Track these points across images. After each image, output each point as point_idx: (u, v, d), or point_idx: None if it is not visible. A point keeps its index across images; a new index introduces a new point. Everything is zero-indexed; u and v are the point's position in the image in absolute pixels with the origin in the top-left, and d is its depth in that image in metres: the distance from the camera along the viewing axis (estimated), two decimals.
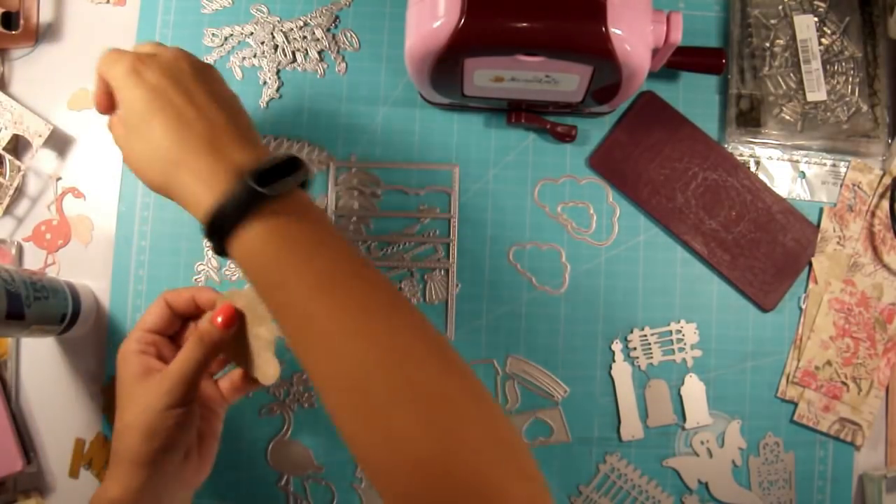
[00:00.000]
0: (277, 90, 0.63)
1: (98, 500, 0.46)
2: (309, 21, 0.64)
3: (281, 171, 0.41)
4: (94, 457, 0.61)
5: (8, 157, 0.63)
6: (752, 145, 0.62)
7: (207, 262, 0.62)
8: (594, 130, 0.62)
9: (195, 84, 0.45)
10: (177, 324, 0.52)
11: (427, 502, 0.36)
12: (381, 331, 0.39)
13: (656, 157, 0.61)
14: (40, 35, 0.65)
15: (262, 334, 0.48)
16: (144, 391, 0.47)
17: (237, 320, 0.48)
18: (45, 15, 0.65)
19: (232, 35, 0.64)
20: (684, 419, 0.60)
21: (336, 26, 0.64)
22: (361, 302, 0.40)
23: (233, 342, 0.49)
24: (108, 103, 0.48)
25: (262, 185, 0.40)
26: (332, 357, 0.39)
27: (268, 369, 0.49)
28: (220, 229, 0.41)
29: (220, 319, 0.47)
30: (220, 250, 0.42)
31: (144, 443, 0.46)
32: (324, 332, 0.39)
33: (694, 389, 0.60)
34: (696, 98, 0.62)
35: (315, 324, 0.39)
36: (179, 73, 0.45)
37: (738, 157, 0.62)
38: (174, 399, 0.46)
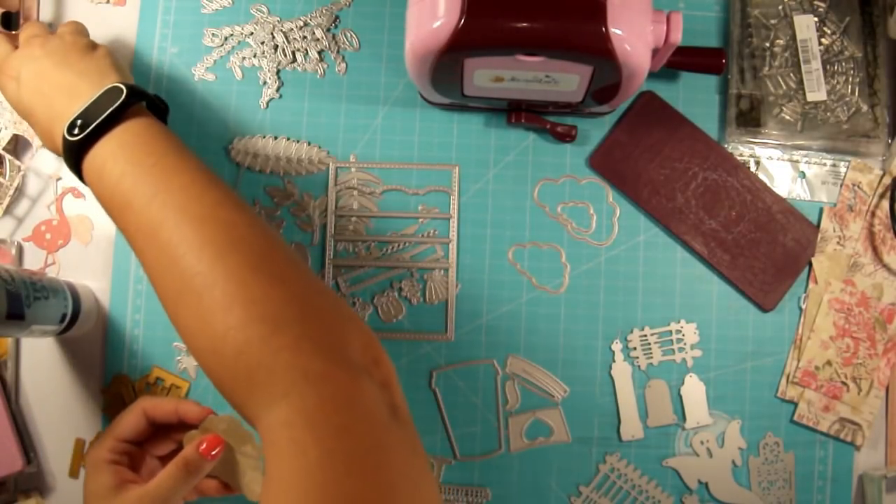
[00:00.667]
0: (277, 90, 0.63)
1: None
2: (309, 21, 0.64)
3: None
4: None
5: (8, 157, 0.63)
6: (752, 145, 0.62)
7: None
8: (594, 130, 0.62)
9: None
10: (150, 432, 0.52)
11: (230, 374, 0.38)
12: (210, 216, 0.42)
13: (656, 157, 0.61)
14: None
15: (249, 452, 0.49)
16: None
17: (223, 450, 0.48)
18: (45, 15, 0.65)
19: (232, 35, 0.64)
20: (684, 419, 0.60)
21: (336, 26, 0.64)
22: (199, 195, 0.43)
23: (218, 461, 0.49)
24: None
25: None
26: (169, 247, 0.41)
27: (255, 487, 0.49)
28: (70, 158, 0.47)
29: (204, 447, 0.47)
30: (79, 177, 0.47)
31: None
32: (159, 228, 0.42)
33: (694, 389, 0.60)
34: (696, 98, 0.62)
35: (161, 231, 0.41)
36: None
37: (738, 157, 0.62)
38: None
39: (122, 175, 0.44)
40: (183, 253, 0.40)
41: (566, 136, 0.61)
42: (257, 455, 0.49)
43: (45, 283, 0.56)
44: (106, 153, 0.45)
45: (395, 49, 0.64)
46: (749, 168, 0.62)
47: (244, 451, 0.49)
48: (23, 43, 0.54)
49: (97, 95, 0.47)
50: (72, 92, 0.48)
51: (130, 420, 0.50)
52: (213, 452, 0.47)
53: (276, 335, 0.37)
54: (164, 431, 0.52)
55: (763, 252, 0.60)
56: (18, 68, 0.51)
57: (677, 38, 0.50)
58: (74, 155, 0.46)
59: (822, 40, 0.61)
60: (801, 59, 0.61)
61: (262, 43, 0.64)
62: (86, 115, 0.46)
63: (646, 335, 0.60)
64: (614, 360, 0.60)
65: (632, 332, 0.61)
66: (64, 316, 0.58)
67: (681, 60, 0.58)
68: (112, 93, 0.47)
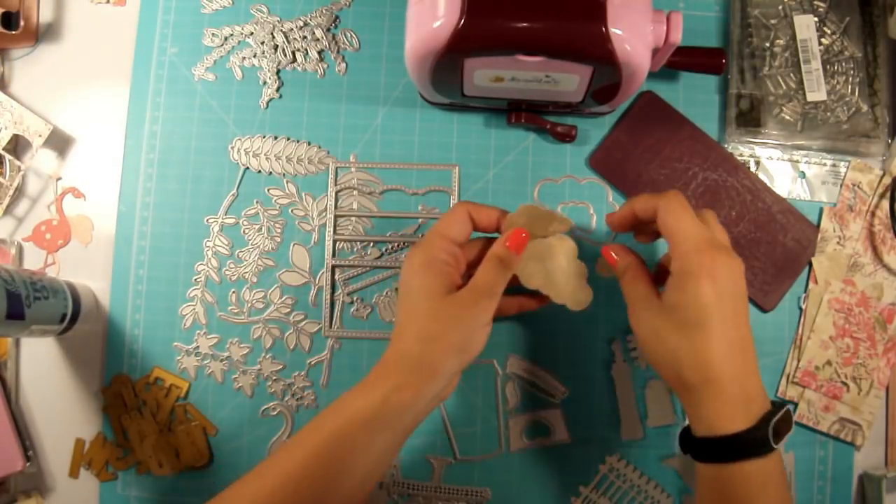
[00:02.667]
0: (277, 90, 0.63)
1: (388, 403, 0.45)
2: (309, 21, 0.64)
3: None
4: (94, 457, 0.61)
5: (8, 157, 0.63)
6: (752, 145, 0.62)
7: (207, 262, 0.62)
8: (594, 130, 0.62)
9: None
10: (468, 236, 0.51)
11: None
12: None
13: (656, 157, 0.61)
14: (40, 35, 0.65)
15: (556, 229, 0.50)
16: (458, 306, 0.46)
17: (528, 238, 0.49)
18: (45, 15, 0.65)
19: (232, 35, 0.64)
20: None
21: (336, 26, 0.64)
22: None
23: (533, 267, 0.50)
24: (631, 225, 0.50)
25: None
26: None
27: (580, 296, 0.51)
28: (715, 454, 0.43)
29: (509, 243, 0.48)
30: (702, 457, 0.44)
31: (455, 356, 0.46)
32: None
33: None
34: (696, 98, 0.62)
35: None
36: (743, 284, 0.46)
37: (738, 157, 0.62)
38: (489, 315, 0.47)
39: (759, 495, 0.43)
40: None
41: (566, 136, 0.61)
42: (566, 227, 0.50)
43: (45, 283, 0.56)
44: (761, 468, 0.43)
45: (395, 49, 0.64)
46: (749, 168, 0.62)
47: (553, 231, 0.50)
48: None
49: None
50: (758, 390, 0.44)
51: (458, 220, 0.50)
52: (519, 244, 0.48)
53: None
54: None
55: (763, 252, 0.60)
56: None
57: (677, 38, 0.50)
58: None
59: (822, 40, 0.61)
60: (801, 59, 0.61)
61: (262, 43, 0.64)
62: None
63: None
64: (614, 360, 0.60)
65: (632, 332, 0.60)
66: (64, 316, 0.58)
67: (681, 60, 0.58)
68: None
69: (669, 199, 0.46)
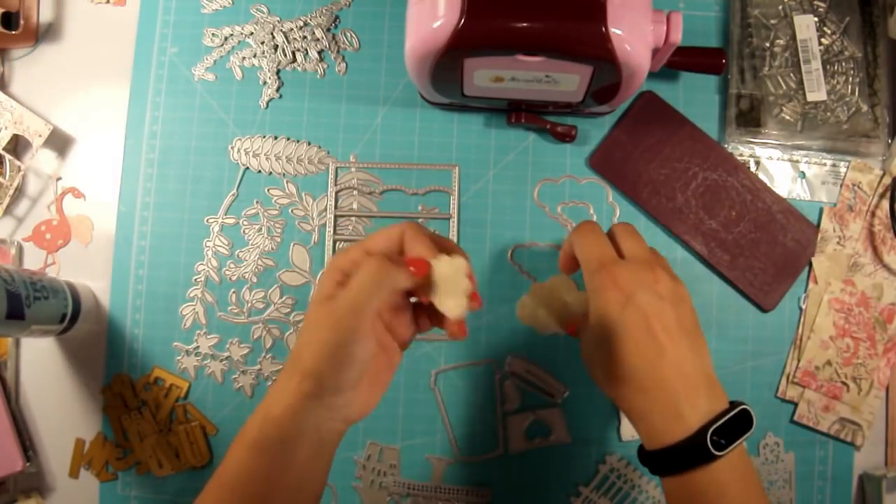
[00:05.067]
0: (277, 90, 0.63)
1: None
2: (309, 21, 0.64)
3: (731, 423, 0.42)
4: (94, 457, 0.61)
5: (8, 157, 0.63)
6: (752, 145, 0.62)
7: (207, 262, 0.62)
8: (594, 130, 0.62)
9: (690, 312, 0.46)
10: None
11: None
12: None
13: (656, 157, 0.61)
14: (40, 35, 0.65)
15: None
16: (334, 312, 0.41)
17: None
18: (45, 15, 0.65)
19: (232, 35, 0.64)
20: None
21: (336, 26, 0.64)
22: None
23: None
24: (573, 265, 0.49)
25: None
26: None
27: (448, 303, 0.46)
28: (671, 464, 0.42)
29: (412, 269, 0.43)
30: (653, 470, 0.44)
31: (332, 360, 0.41)
32: None
33: None
34: (696, 98, 0.62)
35: None
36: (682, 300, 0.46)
37: (738, 157, 0.62)
38: (357, 321, 0.41)
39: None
40: None
41: (566, 136, 0.61)
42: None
43: (45, 283, 0.56)
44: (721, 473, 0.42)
45: (395, 49, 0.64)
46: (749, 168, 0.62)
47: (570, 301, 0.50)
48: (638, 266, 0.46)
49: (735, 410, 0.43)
50: (713, 385, 0.44)
51: (392, 239, 0.45)
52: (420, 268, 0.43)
53: None
54: None
55: (763, 252, 0.60)
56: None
57: (677, 38, 0.50)
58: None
59: (822, 40, 0.61)
60: (801, 59, 0.61)
61: (262, 43, 0.64)
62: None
63: None
64: None
65: None
66: (64, 316, 0.58)
67: (681, 60, 0.58)
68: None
69: (577, 231, 0.48)
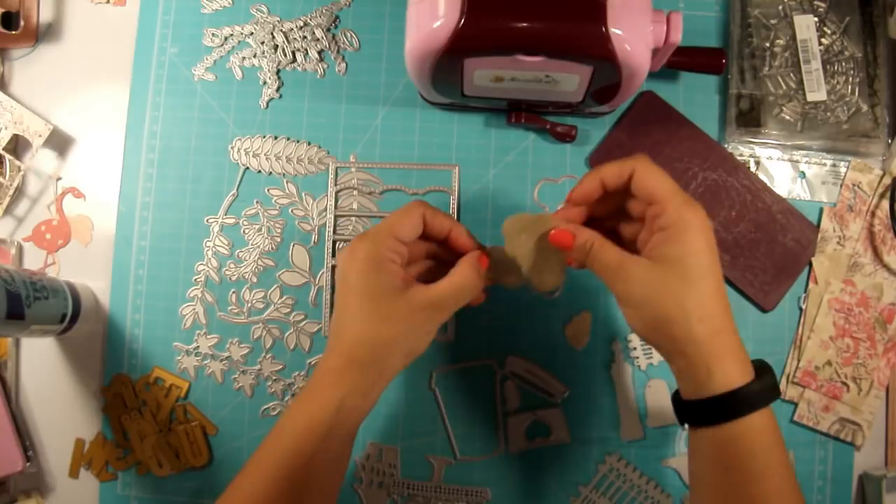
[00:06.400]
0: (277, 90, 0.63)
1: (343, 409, 0.44)
2: (309, 21, 0.64)
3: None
4: (94, 457, 0.61)
5: (8, 157, 0.63)
6: (752, 145, 0.62)
7: (207, 262, 0.62)
8: (594, 130, 0.62)
9: None
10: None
11: None
12: None
13: (656, 157, 0.61)
14: (40, 35, 0.65)
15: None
16: (412, 312, 0.45)
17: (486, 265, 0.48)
18: (45, 15, 0.65)
19: (232, 35, 0.64)
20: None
21: (336, 26, 0.64)
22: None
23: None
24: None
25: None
26: None
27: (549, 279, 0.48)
28: (729, 410, 0.42)
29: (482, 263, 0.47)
30: (696, 422, 0.43)
31: (404, 359, 0.46)
32: None
33: None
34: (696, 98, 0.62)
35: None
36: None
37: (738, 157, 0.62)
38: (439, 324, 0.46)
39: (766, 449, 0.43)
40: None
41: (566, 136, 0.61)
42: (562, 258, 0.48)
43: (45, 283, 0.56)
44: (762, 423, 0.43)
45: (395, 49, 0.64)
46: (749, 168, 0.62)
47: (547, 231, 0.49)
48: None
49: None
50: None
51: (411, 222, 0.47)
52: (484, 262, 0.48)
53: None
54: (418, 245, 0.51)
55: (763, 252, 0.60)
56: None
57: (677, 38, 0.50)
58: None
59: (822, 40, 0.61)
60: (801, 59, 0.61)
61: (262, 43, 0.64)
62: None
63: None
64: (614, 360, 0.60)
65: (632, 331, 0.60)
66: (64, 316, 0.58)
67: (681, 60, 0.58)
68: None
69: (643, 161, 0.45)
